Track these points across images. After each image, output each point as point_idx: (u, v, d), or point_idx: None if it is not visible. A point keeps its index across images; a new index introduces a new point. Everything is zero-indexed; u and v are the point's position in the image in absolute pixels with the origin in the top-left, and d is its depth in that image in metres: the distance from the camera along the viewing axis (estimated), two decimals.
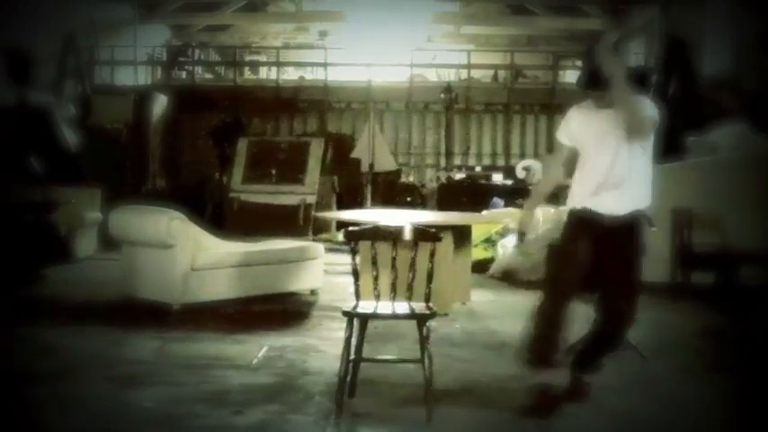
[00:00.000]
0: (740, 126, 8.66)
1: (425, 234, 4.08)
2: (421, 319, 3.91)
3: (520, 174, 14.21)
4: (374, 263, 4.04)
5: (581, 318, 5.30)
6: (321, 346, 5.27)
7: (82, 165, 11.48)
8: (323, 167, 13.61)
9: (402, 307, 4.01)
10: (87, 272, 8.59)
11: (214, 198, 13.87)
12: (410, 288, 4.06)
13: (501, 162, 17.50)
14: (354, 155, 14.52)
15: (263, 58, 22.08)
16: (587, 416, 3.98)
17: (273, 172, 13.67)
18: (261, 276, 6.85)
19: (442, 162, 17.37)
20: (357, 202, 13.49)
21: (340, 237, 9.65)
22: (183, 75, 19.16)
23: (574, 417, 3.96)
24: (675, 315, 6.59)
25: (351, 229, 4.14)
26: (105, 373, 4.57)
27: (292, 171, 13.58)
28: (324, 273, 7.56)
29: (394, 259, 4.02)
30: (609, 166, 3.97)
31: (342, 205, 13.25)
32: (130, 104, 14.83)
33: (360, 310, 3.97)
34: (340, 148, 15.03)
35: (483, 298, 7.33)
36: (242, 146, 14.06)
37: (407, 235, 4.07)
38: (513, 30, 22.02)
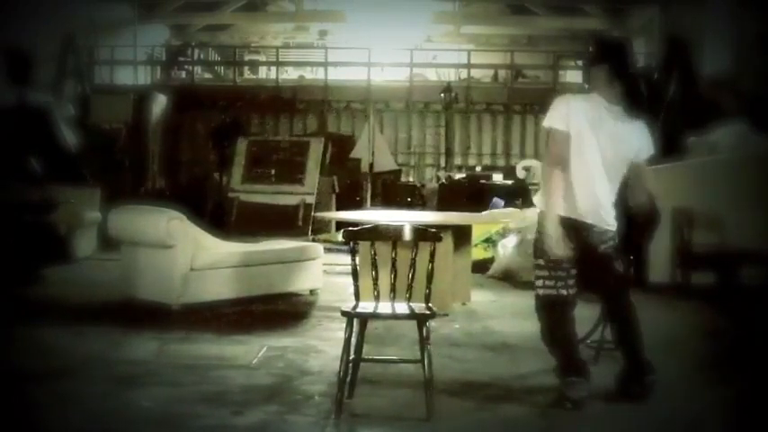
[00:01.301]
0: (740, 126, 8.66)
1: (425, 234, 4.08)
2: (421, 320, 3.91)
3: (520, 174, 14.22)
4: (374, 263, 4.04)
5: (581, 317, 5.29)
6: (321, 347, 5.27)
7: (82, 165, 11.48)
8: (322, 167, 13.61)
9: (402, 307, 4.01)
10: (87, 272, 8.58)
11: (214, 198, 13.87)
12: (410, 288, 4.05)
13: (501, 162, 17.50)
14: (354, 155, 14.53)
15: (262, 58, 22.07)
16: (587, 416, 3.98)
17: (273, 172, 13.66)
18: (260, 276, 6.85)
19: (442, 162, 17.37)
20: (357, 203, 13.49)
21: (339, 237, 9.65)
22: (183, 74, 19.16)
23: (574, 417, 3.96)
24: (675, 315, 6.58)
25: (350, 228, 4.14)
26: (105, 373, 4.56)
27: (292, 171, 13.57)
28: (323, 273, 7.56)
29: (394, 259, 4.02)
30: (598, 165, 3.99)
31: (341, 205, 13.25)
32: (130, 104, 14.84)
33: (359, 310, 3.96)
34: (340, 148, 15.04)
35: (483, 298, 7.33)
36: (241, 146, 14.06)
37: (407, 235, 4.07)
38: (513, 30, 22.02)
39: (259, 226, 11.82)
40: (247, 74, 20.97)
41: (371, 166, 14.06)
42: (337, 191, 13.69)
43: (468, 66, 19.00)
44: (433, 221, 6.68)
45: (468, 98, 17.82)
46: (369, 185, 13.93)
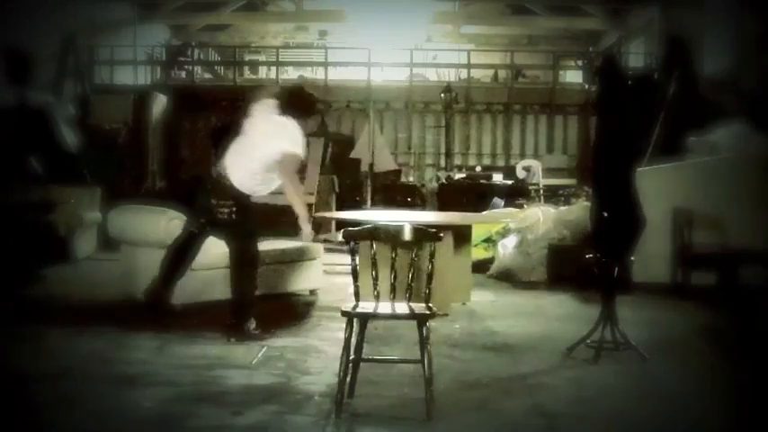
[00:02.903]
0: (740, 126, 8.66)
1: (425, 234, 4.08)
2: (421, 320, 3.91)
3: (520, 174, 14.22)
4: (374, 263, 4.04)
5: (581, 317, 5.30)
6: (321, 347, 5.27)
7: (81, 165, 11.47)
8: (323, 167, 13.59)
9: (402, 307, 4.01)
10: (87, 272, 8.58)
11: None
12: (410, 288, 4.05)
13: (501, 162, 17.48)
14: (354, 155, 14.51)
15: (262, 58, 22.06)
16: (588, 416, 3.98)
17: None
18: (260, 276, 6.82)
19: (442, 162, 17.35)
20: (357, 203, 13.48)
21: (339, 237, 9.64)
22: (183, 74, 19.12)
23: (574, 417, 3.96)
24: (675, 315, 6.58)
25: (350, 228, 4.14)
26: (105, 373, 4.56)
27: None
28: (323, 273, 7.56)
29: (394, 259, 4.02)
30: None
31: (341, 205, 13.24)
32: (130, 104, 14.80)
33: (359, 310, 3.96)
34: (340, 148, 15.02)
35: (483, 298, 7.32)
36: None
37: (407, 235, 4.07)
38: (513, 30, 22.02)
39: (259, 226, 11.80)
40: (247, 74, 20.95)
41: (371, 166, 14.03)
42: (337, 191, 13.68)
43: (468, 66, 18.97)
44: (433, 221, 6.68)
45: (468, 98, 17.80)
46: (369, 185, 13.91)
